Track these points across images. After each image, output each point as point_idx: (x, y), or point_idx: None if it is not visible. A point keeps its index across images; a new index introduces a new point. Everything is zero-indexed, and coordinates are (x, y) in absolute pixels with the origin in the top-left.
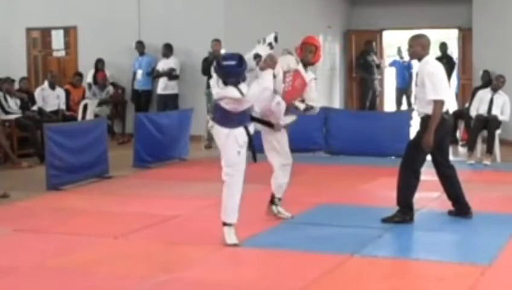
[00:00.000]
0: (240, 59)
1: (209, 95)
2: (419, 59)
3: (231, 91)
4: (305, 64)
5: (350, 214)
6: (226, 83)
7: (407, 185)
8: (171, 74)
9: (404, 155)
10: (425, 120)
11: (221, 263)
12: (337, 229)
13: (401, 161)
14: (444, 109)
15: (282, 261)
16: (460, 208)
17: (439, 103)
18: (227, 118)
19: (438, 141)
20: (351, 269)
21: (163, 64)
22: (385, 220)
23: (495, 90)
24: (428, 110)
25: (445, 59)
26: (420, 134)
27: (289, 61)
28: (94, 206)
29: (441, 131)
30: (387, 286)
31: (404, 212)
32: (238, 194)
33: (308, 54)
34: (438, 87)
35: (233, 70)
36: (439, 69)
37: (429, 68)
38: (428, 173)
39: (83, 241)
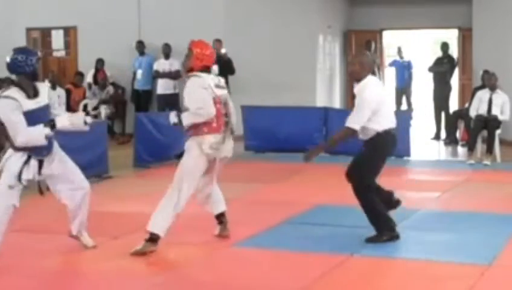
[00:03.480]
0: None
1: None
2: (358, 80)
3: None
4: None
5: (350, 214)
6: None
7: (374, 206)
8: (178, 75)
9: (354, 182)
10: (373, 139)
11: (221, 263)
12: (337, 229)
13: (352, 188)
14: (386, 127)
15: (282, 261)
16: (390, 201)
17: (349, 131)
18: None
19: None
20: (351, 269)
21: (163, 65)
22: (370, 240)
23: (492, 89)
24: (377, 127)
25: (446, 59)
26: (364, 153)
27: None
28: (94, 206)
29: (386, 148)
30: (387, 286)
31: (389, 228)
32: None
33: (186, 59)
34: (358, 117)
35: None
36: (377, 95)
37: (364, 95)
38: (428, 173)
39: None
